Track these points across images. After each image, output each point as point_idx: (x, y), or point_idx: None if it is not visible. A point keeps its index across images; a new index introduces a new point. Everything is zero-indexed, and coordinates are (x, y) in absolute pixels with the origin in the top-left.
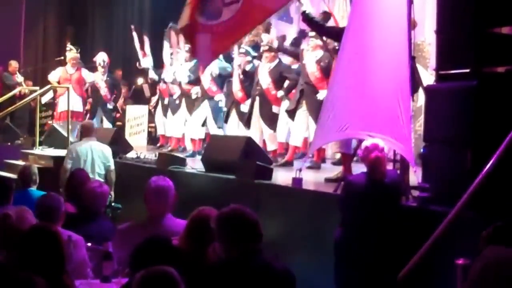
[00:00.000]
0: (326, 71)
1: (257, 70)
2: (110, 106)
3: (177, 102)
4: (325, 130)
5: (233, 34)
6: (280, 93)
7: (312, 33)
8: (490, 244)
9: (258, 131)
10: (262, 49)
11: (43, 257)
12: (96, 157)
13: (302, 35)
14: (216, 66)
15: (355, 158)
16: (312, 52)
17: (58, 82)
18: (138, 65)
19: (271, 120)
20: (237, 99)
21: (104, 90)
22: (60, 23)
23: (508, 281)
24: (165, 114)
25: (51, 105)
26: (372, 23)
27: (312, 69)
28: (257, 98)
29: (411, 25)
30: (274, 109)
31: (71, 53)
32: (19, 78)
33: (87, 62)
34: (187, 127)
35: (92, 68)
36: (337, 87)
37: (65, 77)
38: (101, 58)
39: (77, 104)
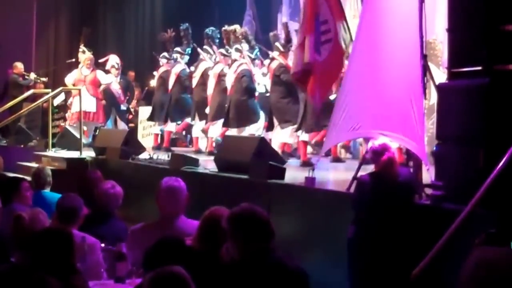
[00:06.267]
0: None
1: None
2: (123, 107)
3: None
4: (337, 130)
5: (331, 75)
6: None
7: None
8: None
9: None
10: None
11: (54, 258)
12: None
13: None
14: None
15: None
16: None
17: (74, 85)
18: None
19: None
20: None
21: (118, 92)
22: (72, 25)
23: (499, 281)
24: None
25: (63, 107)
26: (384, 22)
27: None
28: None
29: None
30: None
31: (86, 54)
32: (32, 75)
33: (98, 64)
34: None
35: (105, 71)
36: (350, 86)
37: (79, 78)
38: (114, 60)
39: (90, 105)
